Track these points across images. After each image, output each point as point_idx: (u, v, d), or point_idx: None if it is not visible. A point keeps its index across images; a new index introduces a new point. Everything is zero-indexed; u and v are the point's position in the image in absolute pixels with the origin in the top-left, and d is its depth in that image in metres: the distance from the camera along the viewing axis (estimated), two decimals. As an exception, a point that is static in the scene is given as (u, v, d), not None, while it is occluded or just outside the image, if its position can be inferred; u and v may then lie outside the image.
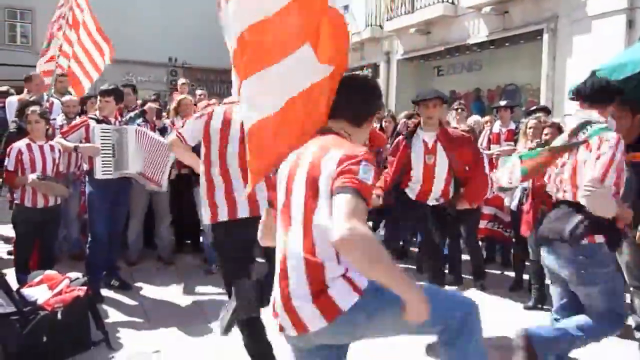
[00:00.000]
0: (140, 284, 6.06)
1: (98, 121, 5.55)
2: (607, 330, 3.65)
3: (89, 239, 5.57)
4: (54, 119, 6.83)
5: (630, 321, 4.69)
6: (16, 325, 3.91)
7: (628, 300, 4.79)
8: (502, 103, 8.21)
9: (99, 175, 5.40)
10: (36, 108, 5.52)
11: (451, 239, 6.39)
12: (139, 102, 7.91)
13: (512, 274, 6.43)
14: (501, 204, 6.54)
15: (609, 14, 10.83)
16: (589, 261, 3.47)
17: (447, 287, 6.27)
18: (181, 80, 10.03)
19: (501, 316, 5.31)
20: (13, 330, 3.88)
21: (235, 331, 4.65)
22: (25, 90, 7.46)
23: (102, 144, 5.37)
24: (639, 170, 4.45)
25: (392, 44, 17.79)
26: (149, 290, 5.89)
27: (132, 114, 6.44)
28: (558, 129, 5.50)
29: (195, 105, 7.30)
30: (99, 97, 5.63)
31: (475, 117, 7.11)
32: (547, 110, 7.24)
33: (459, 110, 8.03)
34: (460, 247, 6.59)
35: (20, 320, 3.96)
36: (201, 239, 7.33)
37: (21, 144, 5.41)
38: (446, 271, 6.77)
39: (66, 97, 7.01)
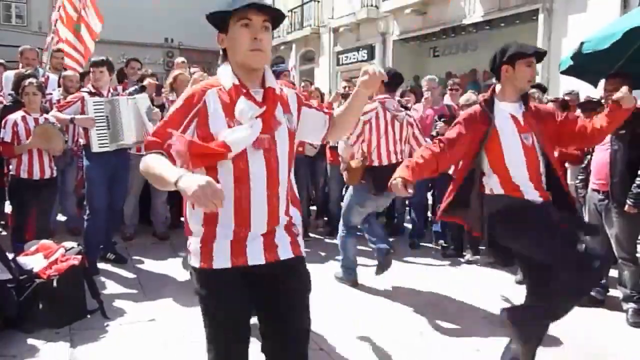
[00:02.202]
0: (136, 258, 6.11)
1: (91, 94, 5.55)
2: None
3: (87, 213, 5.59)
4: (50, 94, 6.84)
5: (618, 293, 4.79)
6: (12, 292, 3.97)
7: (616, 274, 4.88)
8: (495, 80, 8.21)
9: (95, 148, 5.41)
10: (33, 80, 5.51)
11: None
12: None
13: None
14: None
15: (604, -7, 10.84)
16: None
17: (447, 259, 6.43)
18: (179, 59, 9.96)
19: (493, 289, 5.39)
20: (10, 297, 3.94)
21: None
22: (20, 65, 7.47)
23: (96, 116, 5.38)
24: (626, 143, 4.52)
25: (388, 24, 17.73)
26: (144, 264, 5.95)
27: (131, 89, 6.44)
28: (561, 104, 5.55)
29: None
30: (92, 70, 5.63)
31: (468, 95, 7.10)
32: (542, 88, 7.26)
33: (454, 91, 8.04)
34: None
35: (16, 287, 4.02)
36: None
37: (16, 115, 5.40)
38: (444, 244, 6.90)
39: (68, 72, 7.04)
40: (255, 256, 2.27)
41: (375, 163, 5.21)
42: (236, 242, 2.26)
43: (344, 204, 5.58)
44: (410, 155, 4.94)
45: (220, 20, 2.30)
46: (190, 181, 1.88)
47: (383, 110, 5.23)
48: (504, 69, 3.41)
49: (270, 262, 2.28)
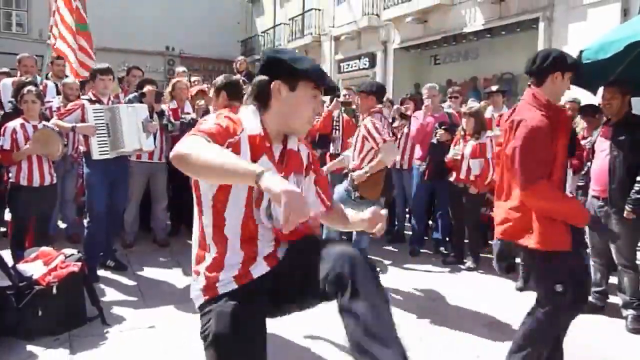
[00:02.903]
0: (136, 265, 6.10)
1: (91, 101, 5.57)
2: None
3: (88, 219, 5.58)
4: (50, 102, 6.85)
5: (618, 299, 4.78)
6: (12, 299, 3.97)
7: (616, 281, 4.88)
8: (494, 88, 8.30)
9: (96, 156, 5.41)
10: (32, 88, 5.52)
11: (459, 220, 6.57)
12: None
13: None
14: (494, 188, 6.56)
15: (604, 2, 10.88)
16: None
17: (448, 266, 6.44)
18: (180, 68, 10.00)
19: (493, 296, 5.39)
20: (9, 304, 3.94)
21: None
22: (18, 73, 7.50)
23: (96, 124, 5.38)
24: (626, 149, 4.52)
25: (389, 33, 17.79)
26: (144, 271, 5.94)
27: (130, 96, 6.44)
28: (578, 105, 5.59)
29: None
30: (99, 77, 5.57)
31: (472, 103, 7.15)
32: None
33: (454, 99, 8.07)
34: (464, 228, 6.64)
35: (15, 294, 4.01)
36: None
37: (15, 123, 5.40)
38: (445, 251, 6.91)
39: (68, 80, 7.05)
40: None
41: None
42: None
43: None
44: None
45: (286, 71, 2.15)
46: (280, 182, 1.73)
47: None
48: (555, 75, 3.22)
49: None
